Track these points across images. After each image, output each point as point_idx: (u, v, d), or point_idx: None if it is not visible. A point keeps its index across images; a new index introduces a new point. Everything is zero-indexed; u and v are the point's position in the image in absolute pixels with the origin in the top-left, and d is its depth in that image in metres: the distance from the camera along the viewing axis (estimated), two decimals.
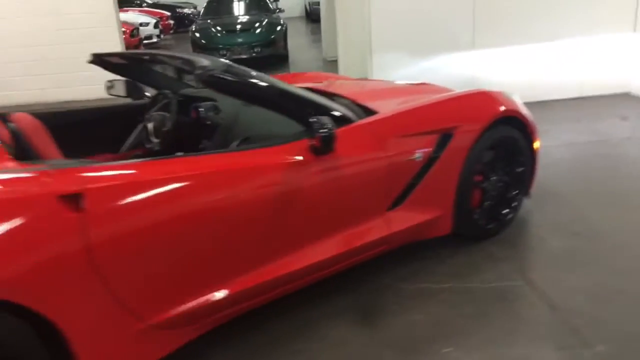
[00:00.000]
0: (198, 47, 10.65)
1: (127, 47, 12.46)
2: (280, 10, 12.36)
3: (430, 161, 2.83)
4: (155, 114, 3.23)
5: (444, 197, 2.97)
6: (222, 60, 2.48)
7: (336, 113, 2.63)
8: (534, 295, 2.71)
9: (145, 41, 14.82)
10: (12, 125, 2.20)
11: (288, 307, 2.67)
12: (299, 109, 2.47)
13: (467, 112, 3.04)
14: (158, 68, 3.39)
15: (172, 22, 18.89)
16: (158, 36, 15.63)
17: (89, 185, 1.83)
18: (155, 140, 3.19)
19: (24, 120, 2.30)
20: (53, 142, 2.46)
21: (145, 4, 20.86)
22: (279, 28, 11.06)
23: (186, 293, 2.11)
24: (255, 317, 2.57)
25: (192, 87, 3.49)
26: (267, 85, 2.45)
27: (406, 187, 2.78)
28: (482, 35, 6.28)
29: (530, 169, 3.41)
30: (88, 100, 7.73)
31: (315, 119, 2.25)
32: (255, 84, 2.41)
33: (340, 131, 2.53)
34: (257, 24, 10.99)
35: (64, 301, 1.77)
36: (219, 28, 10.86)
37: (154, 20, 15.45)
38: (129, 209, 1.90)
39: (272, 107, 2.49)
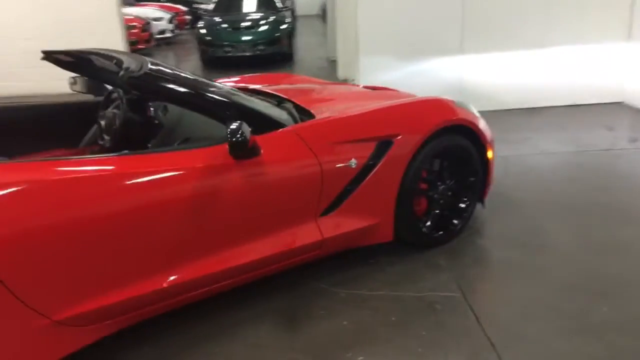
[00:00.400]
0: (203, 44, 10.75)
1: (138, 41, 12.65)
2: (287, 9, 12.39)
3: (367, 168, 2.82)
4: (107, 111, 3.28)
5: (383, 205, 2.96)
6: (149, 61, 2.51)
7: (266, 116, 2.65)
8: (465, 307, 2.69)
9: (158, 36, 14.99)
10: None
11: (216, 309, 2.70)
12: (221, 113, 2.49)
13: (409, 120, 3.02)
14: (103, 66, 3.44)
15: (188, 17, 19.10)
16: (172, 31, 15.80)
17: None
18: (106, 137, 3.24)
19: None
20: None
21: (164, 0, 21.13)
22: (284, 26, 11.09)
23: (95, 290, 2.14)
24: (178, 317, 2.61)
25: None
26: (188, 89, 2.48)
27: (340, 194, 2.78)
28: (471, 40, 6.22)
29: (483, 178, 3.39)
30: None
31: (233, 125, 2.26)
32: (175, 87, 2.44)
33: (266, 136, 2.55)
34: (262, 22, 11.03)
35: None
36: (224, 25, 10.93)
37: (169, 16, 15.61)
38: (27, 206, 1.94)
39: (195, 109, 2.52)
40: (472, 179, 3.31)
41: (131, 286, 2.22)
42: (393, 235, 3.07)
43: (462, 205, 3.33)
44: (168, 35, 15.34)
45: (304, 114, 3.00)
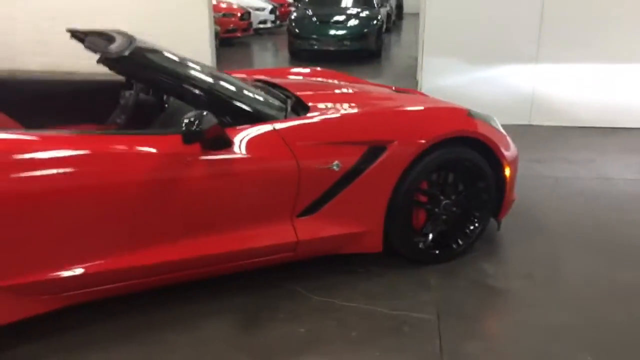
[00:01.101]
0: (292, 35, 10.88)
1: (237, 29, 13.06)
2: (383, 5, 12.21)
3: (353, 173, 2.69)
4: (126, 92, 3.40)
5: (371, 213, 2.81)
6: (137, 44, 2.54)
7: (246, 108, 2.60)
8: (433, 334, 2.49)
9: (260, 25, 15.42)
10: None
11: (182, 298, 2.70)
12: (196, 101, 2.48)
13: (408, 127, 2.84)
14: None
15: (293, 9, 19.46)
16: (273, 22, 16.16)
17: None
18: (122, 116, 3.36)
19: None
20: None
21: None
22: (373, 22, 10.95)
23: (37, 265, 2.20)
24: (136, 299, 2.63)
25: None
26: (165, 75, 2.50)
27: (321, 196, 2.67)
28: (548, 49, 5.75)
29: (498, 197, 3.12)
30: None
31: (190, 115, 2.24)
32: (150, 72, 2.46)
33: (240, 129, 2.51)
34: (351, 17, 10.95)
35: None
36: (314, 18, 10.98)
37: (271, 7, 15.97)
38: None
39: (172, 95, 2.53)
40: (482, 196, 3.06)
41: (78, 264, 2.26)
42: (383, 247, 2.91)
43: (468, 224, 3.08)
44: (269, 25, 15.70)
45: (303, 110, 2.91)
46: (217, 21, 12.09)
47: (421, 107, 3.07)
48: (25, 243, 2.17)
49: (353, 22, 10.85)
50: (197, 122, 2.21)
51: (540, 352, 2.36)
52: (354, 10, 11.43)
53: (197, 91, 2.53)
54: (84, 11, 8.35)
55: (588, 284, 2.92)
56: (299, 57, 11.17)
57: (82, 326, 2.49)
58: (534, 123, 5.94)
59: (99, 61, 2.40)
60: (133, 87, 3.33)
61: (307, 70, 4.36)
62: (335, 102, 3.09)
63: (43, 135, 2.24)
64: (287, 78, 3.96)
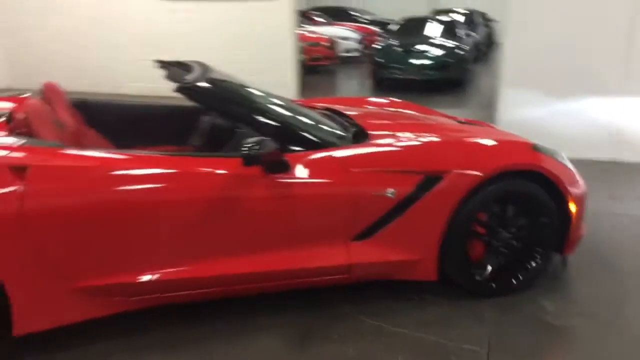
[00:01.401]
0: (375, 64, 11.04)
1: (322, 58, 13.44)
2: (470, 35, 12.13)
3: (407, 201, 2.75)
4: (204, 117, 3.66)
5: (425, 242, 2.85)
6: (212, 75, 2.77)
7: (306, 136, 2.74)
8: None
9: (345, 54, 15.77)
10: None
11: (241, 311, 2.86)
12: (260, 128, 2.65)
13: (466, 158, 2.86)
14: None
15: (379, 38, 19.70)
16: (359, 50, 16.44)
17: (34, 161, 2.28)
18: (199, 139, 3.63)
19: (32, 106, 2.85)
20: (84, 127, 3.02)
21: (364, 21, 22.08)
22: (458, 52, 10.90)
23: (120, 269, 2.44)
24: (196, 309, 2.81)
25: None
26: (231, 105, 2.71)
27: (376, 222, 2.75)
28: (636, 80, 5.51)
29: (563, 233, 3.06)
30: None
31: (251, 140, 2.41)
32: (219, 102, 2.68)
33: (300, 155, 2.66)
34: (435, 47, 10.96)
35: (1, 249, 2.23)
36: (397, 48, 11.10)
37: (358, 36, 16.29)
38: (68, 185, 2.30)
39: (238, 122, 2.73)
40: (545, 231, 3.01)
41: (147, 272, 2.48)
42: (437, 276, 2.93)
43: (532, 261, 3.04)
44: (355, 54, 15.98)
45: (363, 138, 3.01)
46: (303, 50, 12.55)
47: (482, 140, 3.08)
48: (106, 249, 2.42)
49: (436, 52, 10.85)
50: (256, 147, 2.38)
51: None
52: (438, 40, 11.43)
53: (260, 119, 2.72)
54: (179, 37, 9.00)
55: None
56: (381, 85, 11.30)
57: (146, 331, 2.70)
58: (618, 159, 5.67)
59: (175, 90, 2.64)
60: (209, 113, 3.59)
61: (385, 100, 4.45)
62: (395, 132, 3.17)
63: (133, 154, 2.51)
64: (362, 107, 4.08)
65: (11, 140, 2.42)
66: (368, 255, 2.78)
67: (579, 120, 5.74)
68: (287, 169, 2.58)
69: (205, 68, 3.03)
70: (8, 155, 2.30)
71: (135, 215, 2.42)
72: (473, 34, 14.12)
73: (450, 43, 11.25)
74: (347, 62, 16.00)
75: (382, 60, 10.80)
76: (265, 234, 2.63)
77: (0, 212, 2.21)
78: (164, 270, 2.51)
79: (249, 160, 2.40)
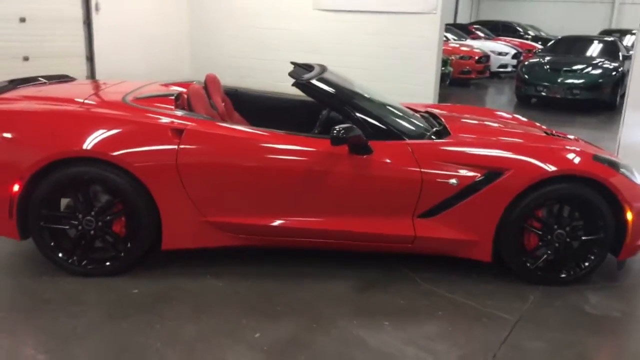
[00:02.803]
0: (520, 80, 11.14)
1: (471, 71, 13.75)
2: (627, 57, 11.63)
3: (468, 190, 3.30)
4: (324, 110, 4.48)
5: (482, 227, 3.36)
6: (327, 74, 3.57)
7: (388, 128, 3.43)
8: (505, 329, 2.97)
9: (499, 69, 15.84)
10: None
11: (321, 261, 3.62)
12: (352, 118, 3.39)
13: (525, 161, 3.32)
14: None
15: None
16: (515, 66, 16.34)
17: (189, 127, 3.25)
18: (320, 127, 4.45)
19: (193, 89, 3.83)
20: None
21: (528, 37, 21.68)
22: (612, 73, 10.60)
23: (235, 212, 3.34)
24: (289, 255, 3.62)
25: None
26: (333, 99, 3.48)
27: (440, 204, 3.33)
28: None
29: (618, 238, 3.38)
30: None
31: (341, 126, 3.15)
32: (324, 95, 3.46)
33: (383, 142, 3.35)
34: (585, 67, 10.77)
35: (160, 186, 3.24)
36: (546, 66, 11.09)
37: (514, 52, 16.21)
38: (209, 146, 3.25)
39: (339, 113, 3.50)
40: (599, 234, 3.36)
41: (260, 218, 3.34)
42: (492, 258, 3.43)
43: (584, 259, 3.41)
44: (509, 69, 15.94)
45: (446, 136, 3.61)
46: (452, 63, 12.97)
47: (545, 145, 3.51)
48: (232, 197, 3.32)
49: (587, 72, 10.67)
50: (342, 131, 3.13)
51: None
52: (593, 60, 11.20)
53: (354, 111, 3.45)
54: (332, 44, 9.99)
55: None
56: (525, 102, 11.38)
57: (245, 264, 3.57)
58: None
59: (292, 84, 3.48)
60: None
61: (508, 115, 4.87)
62: (475, 134, 3.70)
63: (257, 130, 3.42)
64: (479, 117, 4.52)
65: (174, 111, 3.44)
66: (431, 230, 3.37)
67: None
68: (369, 151, 3.29)
69: (322, 69, 3.84)
70: (171, 121, 3.31)
71: (255, 175, 3.29)
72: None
73: (608, 64, 10.97)
74: (502, 77, 16.04)
75: (527, 77, 10.89)
76: (347, 201, 3.35)
77: (162, 161, 3.21)
78: (271, 219, 3.35)
79: (335, 141, 3.16)
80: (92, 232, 3.30)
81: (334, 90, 3.58)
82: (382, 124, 3.46)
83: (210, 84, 4.20)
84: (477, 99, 12.83)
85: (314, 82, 3.53)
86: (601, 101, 10.58)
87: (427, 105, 5.02)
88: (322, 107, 4.46)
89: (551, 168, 3.28)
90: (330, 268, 3.56)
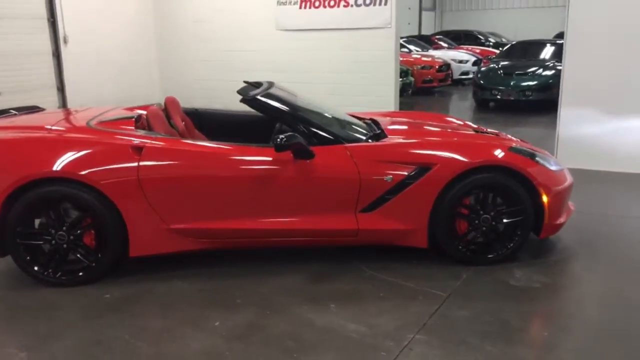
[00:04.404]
0: (475, 85, 11.71)
1: (433, 80, 14.31)
2: None
3: (401, 185, 3.71)
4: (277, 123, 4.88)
5: (417, 216, 3.77)
6: (272, 90, 3.98)
7: (327, 135, 3.83)
8: (437, 302, 3.37)
9: (462, 77, 16.46)
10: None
11: (272, 258, 3.99)
12: (295, 127, 3.79)
13: (449, 155, 3.75)
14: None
15: None
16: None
17: (147, 145, 3.62)
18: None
19: (152, 111, 4.21)
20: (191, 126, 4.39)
21: (489, 44, 22.46)
22: None
23: (195, 218, 3.70)
24: (242, 256, 3.99)
25: None
26: (278, 111, 3.88)
27: (378, 199, 3.73)
28: None
29: (536, 219, 3.82)
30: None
31: (282, 135, 3.55)
32: (269, 108, 3.87)
33: (323, 147, 3.75)
34: (536, 69, 11.36)
35: (125, 199, 3.59)
36: (500, 71, 11.66)
37: (474, 59, 16.86)
38: (166, 161, 3.62)
39: (284, 124, 3.90)
40: (519, 217, 3.79)
41: (218, 222, 3.70)
42: (428, 244, 3.84)
43: (507, 240, 3.84)
44: (470, 76, 16.55)
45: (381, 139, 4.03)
46: (414, 73, 13.52)
47: (469, 142, 3.96)
48: (190, 205, 3.67)
49: (539, 74, 11.25)
50: (284, 139, 3.52)
51: (500, 323, 3.10)
52: (545, 63, 11.80)
53: (296, 121, 3.86)
54: (293, 62, 10.44)
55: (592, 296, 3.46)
56: (483, 106, 11.93)
57: (208, 265, 3.93)
58: None
59: (240, 101, 3.88)
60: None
61: (459, 122, 5.11)
62: (407, 135, 4.14)
63: (209, 144, 3.81)
64: (428, 121, 4.97)
65: (135, 132, 3.81)
66: (372, 223, 3.77)
67: (631, 137, 6.14)
68: (311, 156, 3.68)
69: (269, 85, 4.24)
70: (131, 140, 3.67)
71: (209, 183, 3.67)
72: None
73: (559, 65, 11.55)
74: (465, 83, 16.65)
75: (482, 82, 11.45)
76: (296, 202, 3.73)
77: (125, 176, 3.57)
78: (228, 222, 3.71)
79: (278, 148, 3.55)
80: (64, 245, 3.63)
81: (277, 104, 3.98)
82: (322, 131, 3.87)
83: (169, 105, 4.58)
84: (440, 106, 13.38)
85: (259, 97, 3.94)
86: (553, 101, 11.14)
87: (384, 113, 5.47)
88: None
89: (472, 160, 3.72)
90: (284, 264, 3.94)
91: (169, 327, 3.18)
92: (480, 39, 22.89)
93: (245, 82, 4.76)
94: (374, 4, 9.73)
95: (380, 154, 3.80)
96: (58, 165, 3.52)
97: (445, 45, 19.83)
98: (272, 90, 4.15)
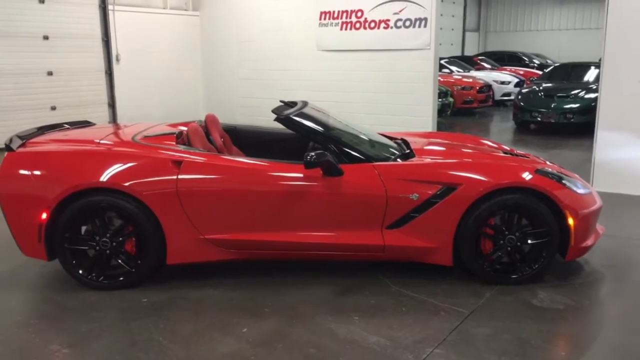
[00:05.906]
0: (516, 107, 11.66)
1: (473, 101, 14.31)
2: None
3: (427, 203, 3.82)
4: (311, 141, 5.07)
5: (442, 235, 3.86)
6: (306, 110, 4.18)
7: (356, 153, 3.99)
8: (459, 319, 3.45)
9: (503, 98, 16.38)
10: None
11: (303, 269, 4.14)
12: (325, 146, 3.96)
13: (475, 177, 3.84)
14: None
15: None
16: None
17: (186, 159, 3.86)
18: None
19: (192, 127, 4.46)
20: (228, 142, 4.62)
21: (533, 65, 22.23)
22: None
23: (227, 230, 3.89)
24: (274, 268, 4.16)
25: None
26: (310, 131, 4.06)
27: (403, 216, 3.85)
28: None
29: (563, 240, 3.86)
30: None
31: (313, 152, 3.72)
32: (303, 128, 4.05)
33: (351, 165, 3.90)
34: (578, 91, 11.24)
35: (164, 210, 3.82)
36: (540, 93, 11.59)
37: (517, 80, 16.75)
38: (203, 175, 3.84)
39: (316, 142, 4.07)
40: (543, 239, 3.84)
41: (249, 234, 3.90)
42: (452, 262, 3.92)
43: (533, 261, 3.89)
44: (512, 97, 16.45)
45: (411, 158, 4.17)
46: (454, 94, 13.57)
47: (495, 162, 4.04)
48: (225, 217, 3.87)
49: (581, 96, 11.13)
50: (314, 156, 3.70)
51: (519, 342, 3.16)
52: (587, 85, 11.66)
53: (326, 140, 4.03)
54: (333, 82, 10.66)
55: (615, 319, 3.47)
56: (523, 127, 11.87)
57: (238, 275, 4.11)
58: None
59: (274, 119, 4.08)
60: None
61: (494, 145, 5.16)
62: (435, 155, 4.25)
63: (244, 160, 4.02)
64: (462, 142, 5.02)
65: (175, 146, 4.06)
66: (398, 240, 3.89)
67: None
68: (339, 173, 3.84)
69: (303, 105, 4.44)
70: (172, 155, 3.92)
71: (241, 197, 3.87)
72: None
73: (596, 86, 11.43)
74: (507, 104, 16.55)
75: (522, 104, 11.40)
76: (325, 217, 3.89)
77: (164, 188, 3.81)
78: (259, 235, 3.90)
79: (308, 165, 3.73)
80: (107, 251, 3.89)
81: (309, 123, 4.17)
82: (351, 150, 4.03)
83: (209, 122, 4.83)
84: (480, 127, 13.34)
85: (292, 117, 4.13)
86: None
87: (414, 133, 5.57)
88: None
89: (498, 182, 3.80)
90: (312, 276, 4.09)
91: (199, 331, 3.37)
92: (525, 60, 22.67)
93: (281, 101, 4.98)
94: (414, 26, 9.88)
95: (407, 173, 3.93)
96: (104, 177, 3.79)
97: (487, 66, 19.76)
98: (305, 110, 4.34)
